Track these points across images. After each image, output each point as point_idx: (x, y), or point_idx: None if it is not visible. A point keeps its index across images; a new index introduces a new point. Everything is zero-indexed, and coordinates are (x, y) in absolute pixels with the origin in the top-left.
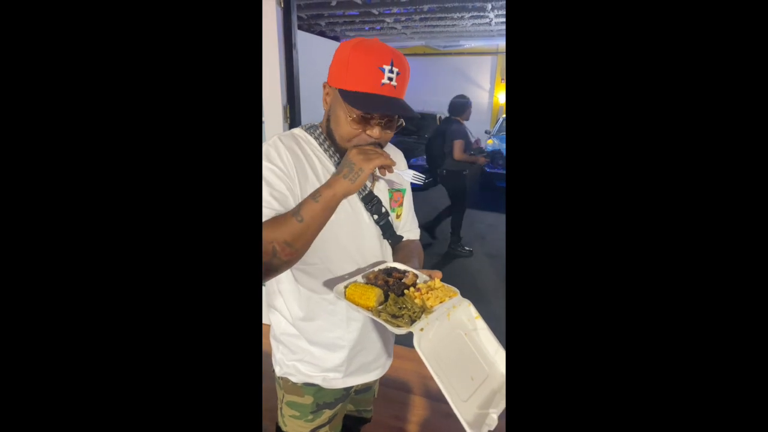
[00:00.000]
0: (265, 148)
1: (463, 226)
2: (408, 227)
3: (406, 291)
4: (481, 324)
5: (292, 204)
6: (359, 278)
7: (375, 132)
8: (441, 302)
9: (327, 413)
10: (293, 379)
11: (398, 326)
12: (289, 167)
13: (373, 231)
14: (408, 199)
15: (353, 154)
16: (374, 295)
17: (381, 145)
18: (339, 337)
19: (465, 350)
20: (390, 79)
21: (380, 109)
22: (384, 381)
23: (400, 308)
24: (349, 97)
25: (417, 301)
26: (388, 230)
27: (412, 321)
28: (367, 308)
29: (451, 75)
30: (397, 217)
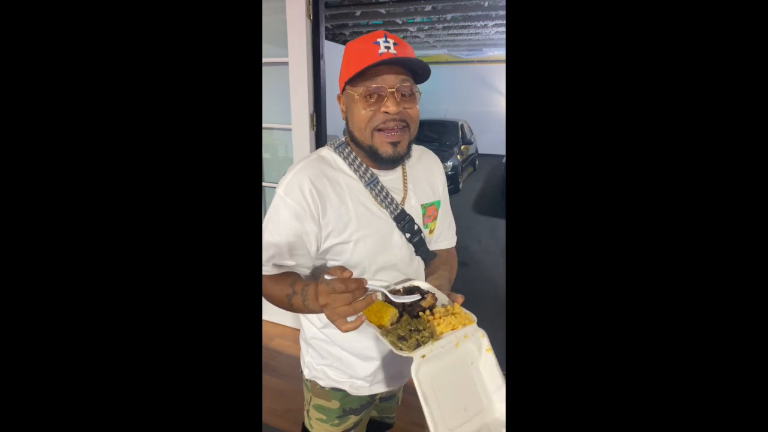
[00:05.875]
0: (289, 179)
1: (485, 235)
2: (443, 236)
3: (421, 313)
4: (490, 358)
5: (304, 247)
6: (380, 295)
7: (390, 106)
8: (453, 329)
9: (353, 419)
10: (321, 383)
11: (401, 349)
12: (311, 203)
13: (405, 250)
14: (444, 208)
15: (322, 302)
16: (388, 315)
17: (408, 123)
18: (368, 347)
19: (466, 380)
20: (387, 48)
21: (383, 64)
22: (404, 387)
23: (410, 330)
24: (354, 79)
25: (429, 325)
26: (420, 247)
27: (418, 345)
28: (380, 326)
29: (474, 83)
30: (430, 232)
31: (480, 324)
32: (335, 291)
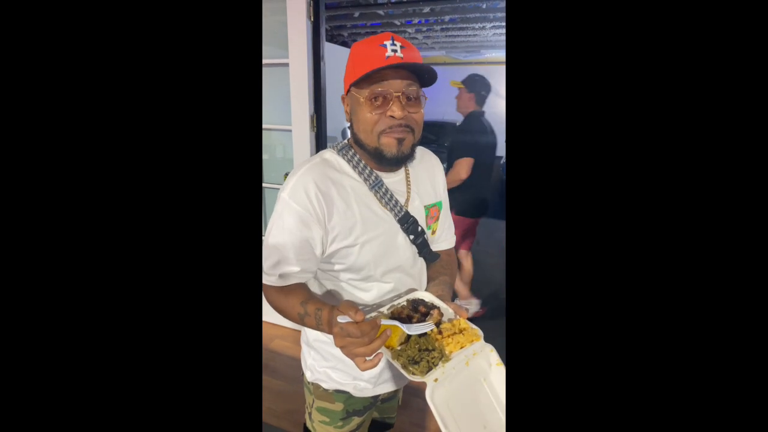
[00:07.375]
0: (294, 182)
1: (483, 235)
2: (443, 237)
3: (428, 332)
4: (502, 372)
5: (310, 251)
6: (385, 309)
7: (396, 110)
8: (461, 347)
9: (356, 420)
10: (324, 386)
11: (413, 374)
12: (317, 207)
13: (408, 251)
14: (444, 208)
15: (338, 345)
16: (396, 336)
17: (412, 128)
18: None
19: (481, 398)
20: (394, 51)
21: (390, 68)
22: (404, 388)
23: (419, 351)
24: (360, 82)
25: (438, 345)
26: (424, 249)
27: (429, 368)
28: (388, 347)
29: None
30: (433, 233)
31: (480, 324)
32: (351, 336)
